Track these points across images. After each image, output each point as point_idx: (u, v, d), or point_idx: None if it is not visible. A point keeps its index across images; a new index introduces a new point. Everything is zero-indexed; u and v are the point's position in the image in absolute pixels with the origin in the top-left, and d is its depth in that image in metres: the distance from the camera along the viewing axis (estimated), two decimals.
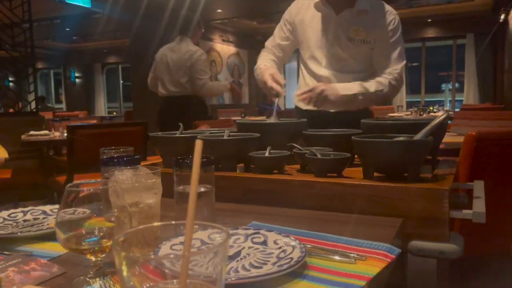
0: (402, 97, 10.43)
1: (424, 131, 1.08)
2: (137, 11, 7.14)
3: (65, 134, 3.88)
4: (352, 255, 0.73)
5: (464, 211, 0.98)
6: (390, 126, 1.29)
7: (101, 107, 13.47)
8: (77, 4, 6.62)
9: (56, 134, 4.03)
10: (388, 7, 1.84)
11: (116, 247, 0.37)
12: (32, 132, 4.10)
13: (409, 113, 6.56)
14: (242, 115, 6.89)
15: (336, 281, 0.64)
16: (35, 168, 3.99)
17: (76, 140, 3.17)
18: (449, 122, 5.55)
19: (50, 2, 6.25)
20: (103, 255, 0.67)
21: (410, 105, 10.05)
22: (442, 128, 1.20)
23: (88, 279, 0.65)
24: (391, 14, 1.82)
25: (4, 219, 0.98)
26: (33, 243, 0.84)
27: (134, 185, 0.73)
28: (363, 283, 0.63)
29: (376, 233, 0.85)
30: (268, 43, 2.05)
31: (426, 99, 10.46)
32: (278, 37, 2.00)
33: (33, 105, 5.33)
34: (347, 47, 1.82)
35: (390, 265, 0.73)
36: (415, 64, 10.82)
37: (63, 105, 13.96)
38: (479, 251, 1.10)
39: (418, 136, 1.07)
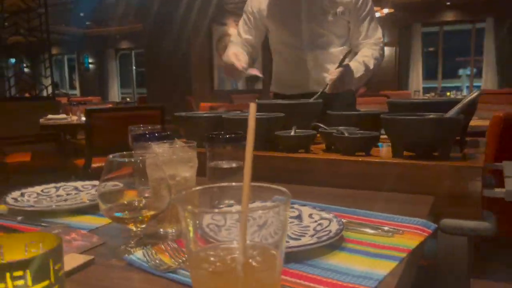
0: (418, 82, 10.28)
1: (456, 108, 1.06)
2: None
3: (83, 118, 3.92)
4: (388, 228, 0.73)
5: (497, 189, 0.96)
6: (419, 105, 1.27)
7: (115, 93, 13.54)
8: None
9: (74, 118, 4.07)
10: None
11: (183, 204, 0.37)
12: (50, 116, 4.16)
13: (426, 98, 6.46)
14: (256, 100, 6.87)
15: (376, 253, 0.64)
16: (54, 151, 4.04)
17: (94, 123, 3.19)
18: None
19: None
20: (143, 226, 0.68)
21: (426, 90, 9.92)
22: (472, 107, 1.18)
23: (129, 249, 0.66)
24: None
25: (38, 194, 1.00)
26: (70, 216, 0.86)
27: (172, 158, 0.74)
28: (403, 254, 0.63)
29: (409, 210, 0.84)
30: (234, 38, 1.98)
31: (443, 85, 10.29)
32: (243, 31, 1.93)
33: (49, 90, 5.38)
34: (323, 21, 1.78)
35: (427, 239, 0.73)
36: (431, 49, 10.62)
37: (77, 91, 14.07)
38: (508, 230, 1.09)
39: (450, 114, 1.05)
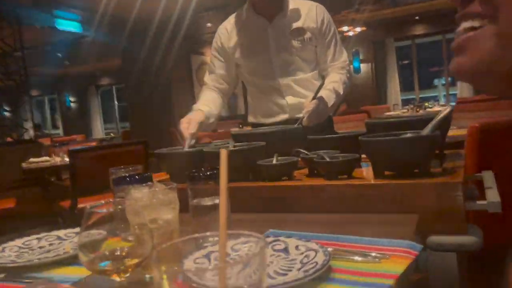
0: (397, 95, 10.49)
1: (430, 125, 1.08)
2: (125, 32, 7.18)
3: (66, 159, 3.88)
4: (375, 254, 0.73)
5: (479, 202, 0.98)
6: (395, 124, 1.29)
7: (98, 129, 13.47)
8: (68, 29, 6.65)
9: (57, 160, 4.03)
10: (312, 2, 1.86)
11: (155, 261, 0.36)
12: (32, 159, 4.10)
13: (405, 110, 6.58)
14: (240, 125, 6.90)
15: (364, 282, 0.64)
16: (38, 194, 3.97)
17: (78, 164, 3.16)
18: None
19: (40, 29, 6.28)
20: (127, 275, 0.66)
21: (405, 102, 10.11)
22: (447, 122, 1.21)
23: None
24: (320, 8, 1.84)
25: (19, 247, 0.97)
26: (52, 268, 0.84)
27: (152, 202, 0.73)
28: (391, 281, 0.63)
29: (395, 231, 0.85)
30: (208, 79, 1.94)
31: (420, 96, 10.51)
32: (217, 68, 1.90)
33: (31, 132, 5.33)
34: (291, 49, 1.81)
35: (414, 261, 0.73)
36: (406, 61, 10.89)
37: (60, 130, 13.95)
38: (496, 242, 1.10)
39: (425, 131, 1.07)
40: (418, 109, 6.17)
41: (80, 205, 3.22)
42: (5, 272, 0.83)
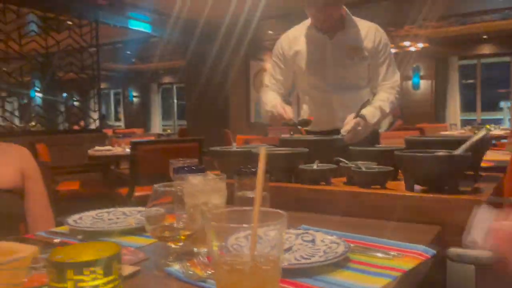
0: (456, 114, 10.12)
1: (463, 146, 1.16)
2: (190, 35, 7.54)
3: (127, 150, 4.20)
4: (390, 252, 0.84)
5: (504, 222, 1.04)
6: (432, 143, 1.37)
7: (157, 125, 14.13)
8: (139, 29, 7.12)
9: (119, 150, 4.36)
10: (372, 24, 1.97)
11: (207, 221, 0.51)
12: (97, 148, 4.47)
13: (463, 131, 6.39)
14: (291, 132, 7.02)
15: (374, 272, 0.75)
16: (99, 180, 4.32)
17: (138, 154, 3.44)
18: (504, 140, 5.34)
19: (115, 28, 6.79)
20: (180, 244, 0.82)
21: (465, 123, 9.74)
22: (483, 144, 1.27)
23: (168, 263, 0.81)
24: (378, 30, 1.95)
25: (93, 217, 1.17)
26: (120, 236, 1.02)
27: (205, 188, 0.89)
28: (398, 274, 0.74)
29: (414, 237, 0.94)
30: (268, 82, 2.10)
31: (482, 117, 10.07)
32: (277, 73, 2.05)
33: (97, 123, 5.77)
34: (347, 66, 1.93)
35: (425, 263, 0.83)
36: (470, 81, 10.48)
37: (122, 123, 14.77)
38: None
39: (458, 151, 1.15)
40: (476, 131, 5.98)
41: (136, 193, 3.49)
42: (83, 235, 1.02)
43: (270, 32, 8.25)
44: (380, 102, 1.86)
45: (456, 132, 6.56)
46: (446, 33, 9.11)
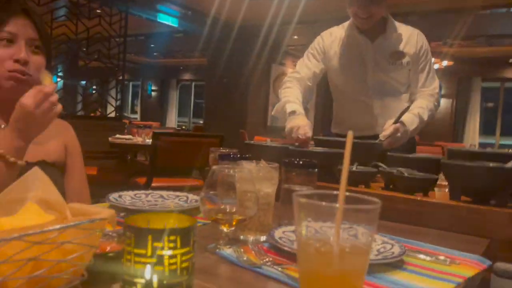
0: (474, 136, 10.00)
1: None
2: (218, 33, 7.57)
3: (147, 140, 4.21)
4: (444, 258, 0.81)
5: None
6: (476, 154, 1.34)
7: (172, 120, 14.19)
8: (166, 23, 7.17)
9: (139, 139, 4.38)
10: (414, 29, 1.93)
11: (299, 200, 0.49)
12: (118, 136, 4.50)
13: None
14: (268, 140, 6.99)
15: (434, 276, 0.73)
16: (117, 168, 4.34)
17: (160, 145, 3.44)
18: None
19: (143, 19, 6.85)
20: (232, 228, 0.81)
21: (482, 146, 9.60)
22: None
23: (219, 246, 0.79)
24: (420, 35, 1.91)
25: (132, 197, 1.16)
26: None
27: (258, 175, 0.87)
28: (460, 280, 0.71)
29: (465, 248, 0.92)
30: (301, 69, 1.97)
31: (501, 142, 9.93)
32: (313, 65, 1.96)
33: (117, 111, 5.81)
34: (388, 71, 1.89)
35: (481, 273, 0.80)
36: (491, 104, 10.36)
37: (138, 115, 14.87)
38: None
39: (509, 165, 1.12)
40: None
41: (154, 184, 3.49)
42: (125, 212, 1.01)
43: (295, 37, 8.24)
44: (419, 109, 1.83)
45: None
46: (471, 53, 9.03)
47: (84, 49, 5.51)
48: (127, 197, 1.15)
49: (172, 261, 0.49)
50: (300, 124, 1.64)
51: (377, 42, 1.90)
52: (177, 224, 0.54)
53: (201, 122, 10.96)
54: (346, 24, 1.97)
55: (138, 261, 0.48)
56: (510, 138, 10.25)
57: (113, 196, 1.12)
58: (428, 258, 0.81)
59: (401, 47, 1.89)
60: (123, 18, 5.58)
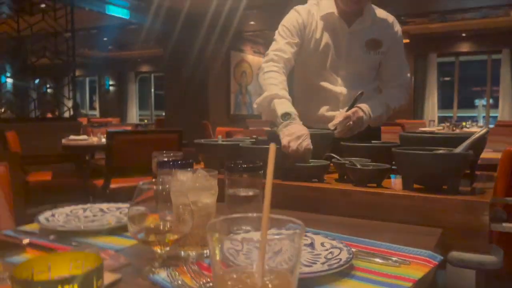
0: (434, 111, 10.29)
1: (464, 144, 1.11)
2: (169, 23, 7.36)
3: (103, 140, 4.05)
4: (396, 259, 0.77)
5: (505, 224, 1.00)
6: (428, 140, 1.32)
7: (133, 115, 13.83)
8: (116, 15, 6.88)
9: (94, 139, 4.20)
10: (388, 14, 1.78)
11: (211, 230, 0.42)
12: (72, 137, 4.30)
13: (441, 128, 6.47)
14: (271, 125, 6.96)
15: (383, 282, 0.69)
16: (73, 171, 4.16)
17: (115, 145, 3.30)
18: None
19: (91, 12, 6.53)
20: (167, 248, 0.73)
21: (442, 120, 9.90)
22: (481, 142, 1.22)
23: (153, 269, 0.72)
24: (396, 21, 1.77)
25: (67, 214, 1.07)
26: (97, 236, 0.92)
27: (195, 185, 0.80)
28: (409, 284, 0.67)
29: (416, 241, 0.88)
30: (286, 48, 1.68)
31: (458, 115, 10.27)
32: (294, 42, 1.70)
33: (71, 111, 5.56)
34: (362, 60, 1.73)
35: (432, 271, 0.77)
36: (447, 78, 10.66)
37: (97, 112, 14.40)
38: None
39: (458, 149, 1.10)
40: (454, 128, 6.06)
41: (112, 185, 3.36)
42: (55, 234, 0.92)
43: (252, 22, 8.13)
44: (386, 97, 1.73)
45: (435, 128, 6.63)
46: (427, 29, 9.21)
47: (29, 46, 5.21)
48: (62, 215, 1.06)
49: None
50: (301, 134, 1.35)
51: (353, 27, 1.71)
52: (78, 267, 0.47)
53: (164, 114, 10.73)
54: (323, 2, 1.74)
55: None
56: (467, 110, 10.63)
57: (44, 215, 1.02)
58: (378, 261, 0.77)
59: (377, 34, 1.73)
60: (69, 12, 5.30)
